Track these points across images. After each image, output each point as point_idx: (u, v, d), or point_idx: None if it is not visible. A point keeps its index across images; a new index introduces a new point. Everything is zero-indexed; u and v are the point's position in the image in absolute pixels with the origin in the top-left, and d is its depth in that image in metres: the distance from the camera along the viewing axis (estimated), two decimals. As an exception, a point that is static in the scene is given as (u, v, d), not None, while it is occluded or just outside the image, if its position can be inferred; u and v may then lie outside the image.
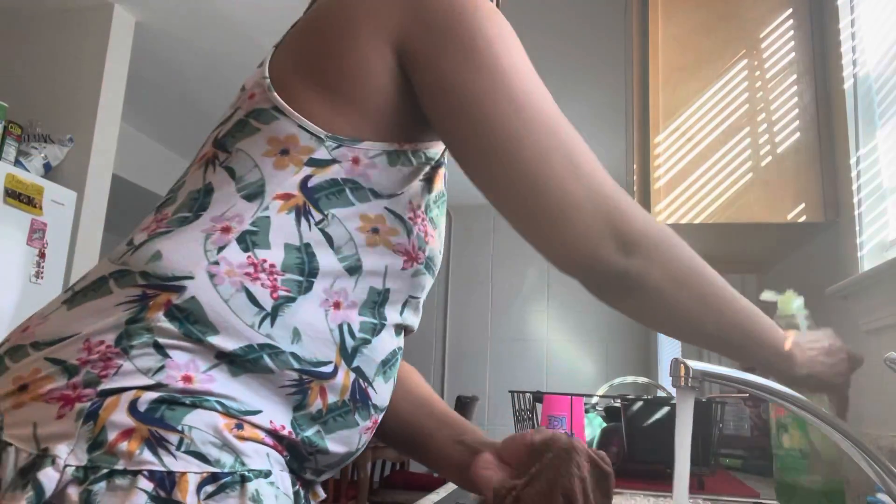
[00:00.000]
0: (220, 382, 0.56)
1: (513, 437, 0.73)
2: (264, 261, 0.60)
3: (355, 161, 0.63)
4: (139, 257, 0.60)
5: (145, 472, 0.51)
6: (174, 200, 0.65)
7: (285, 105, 0.63)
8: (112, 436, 0.52)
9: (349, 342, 0.63)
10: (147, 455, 0.52)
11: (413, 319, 0.72)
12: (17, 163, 3.03)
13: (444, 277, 6.22)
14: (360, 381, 0.64)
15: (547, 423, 1.19)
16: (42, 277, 2.97)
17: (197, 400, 0.55)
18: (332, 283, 0.62)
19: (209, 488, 0.53)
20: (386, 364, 0.67)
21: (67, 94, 3.41)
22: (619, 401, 1.48)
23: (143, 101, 4.53)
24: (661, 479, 1.36)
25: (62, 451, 0.51)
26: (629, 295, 0.63)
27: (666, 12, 1.85)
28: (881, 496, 1.02)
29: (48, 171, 3.18)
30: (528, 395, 1.61)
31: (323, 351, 0.61)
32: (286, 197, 0.62)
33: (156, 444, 0.52)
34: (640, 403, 1.42)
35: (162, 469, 0.52)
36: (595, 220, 0.60)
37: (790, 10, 1.78)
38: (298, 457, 0.63)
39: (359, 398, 0.64)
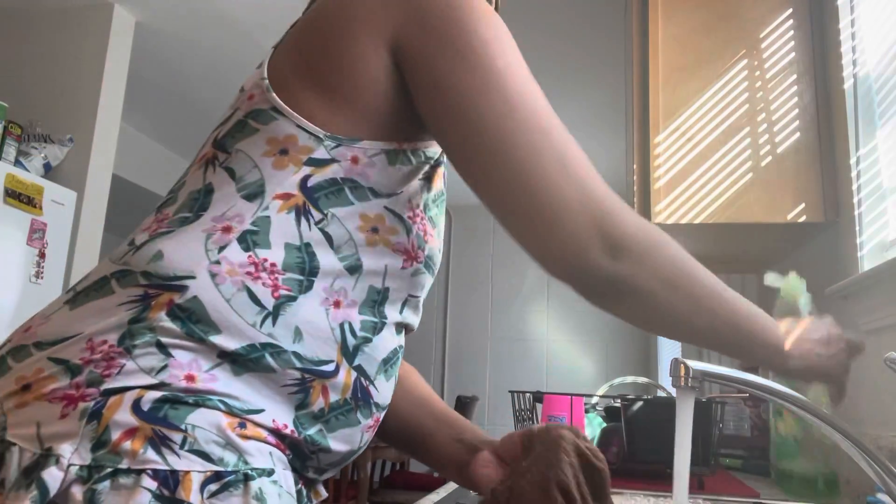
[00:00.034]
0: (223, 381, 0.57)
1: (511, 434, 0.73)
2: (265, 260, 0.60)
3: (354, 160, 0.63)
4: (141, 257, 0.60)
5: (149, 471, 0.51)
6: (175, 201, 0.65)
7: (284, 105, 0.64)
8: (115, 435, 0.52)
9: (350, 341, 0.63)
10: (151, 454, 0.52)
11: (413, 318, 0.72)
12: (17, 163, 3.03)
13: (444, 277, 6.22)
14: (362, 379, 0.64)
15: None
16: (42, 277, 2.97)
17: (200, 399, 0.55)
18: (332, 282, 0.62)
19: (213, 487, 0.53)
20: (387, 362, 0.68)
21: (67, 94, 3.42)
22: (619, 401, 1.49)
23: (143, 101, 4.53)
24: (661, 479, 1.36)
25: (66, 450, 0.52)
26: (620, 299, 0.62)
27: (666, 12, 1.86)
28: (881, 496, 1.02)
29: (48, 171, 3.18)
30: (528, 395, 1.61)
31: (324, 350, 0.61)
32: (286, 197, 0.62)
33: (159, 443, 0.53)
34: (640, 403, 1.43)
35: (165, 468, 0.52)
36: (584, 223, 0.59)
37: (790, 10, 1.79)
38: (301, 455, 0.63)
39: (360, 397, 0.65)
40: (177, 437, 0.53)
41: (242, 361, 0.58)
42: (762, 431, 1.78)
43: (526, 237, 0.61)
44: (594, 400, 2.02)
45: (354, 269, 0.64)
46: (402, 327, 0.71)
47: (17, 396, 0.55)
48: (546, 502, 0.60)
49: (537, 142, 0.60)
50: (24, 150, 3.09)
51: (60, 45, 3.49)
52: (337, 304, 0.63)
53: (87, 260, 3.29)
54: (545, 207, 0.59)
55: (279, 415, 0.59)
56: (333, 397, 0.62)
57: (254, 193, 0.62)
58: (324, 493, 0.71)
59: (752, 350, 0.69)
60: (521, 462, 0.65)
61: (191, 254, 0.59)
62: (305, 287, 0.61)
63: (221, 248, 0.59)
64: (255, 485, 0.55)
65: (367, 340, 0.65)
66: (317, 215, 0.62)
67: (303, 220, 0.62)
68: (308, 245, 0.62)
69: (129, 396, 0.54)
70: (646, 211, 1.82)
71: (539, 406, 1.55)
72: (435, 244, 0.72)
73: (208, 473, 0.53)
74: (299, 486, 0.65)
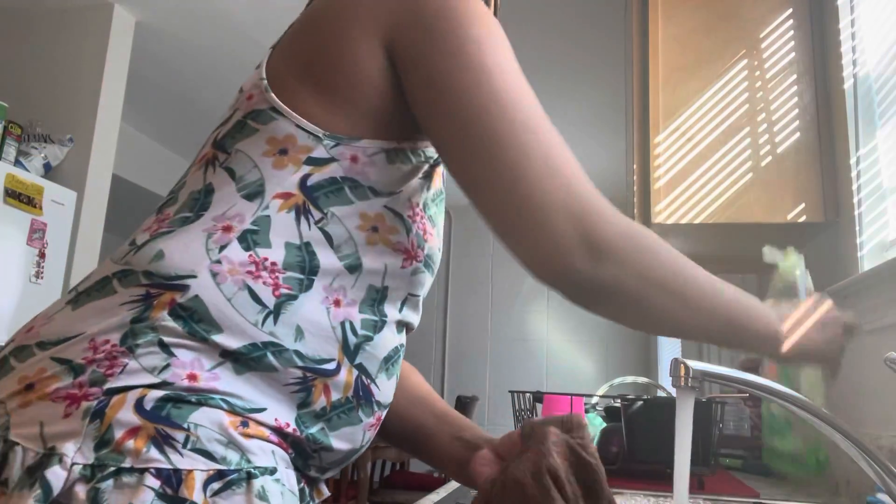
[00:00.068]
0: (225, 380, 0.57)
1: (510, 433, 0.73)
2: (265, 259, 0.60)
3: (353, 159, 0.64)
4: (142, 257, 0.60)
5: (152, 470, 0.52)
6: (175, 201, 0.66)
7: (282, 105, 0.64)
8: (118, 434, 0.52)
9: (351, 339, 0.63)
10: (154, 453, 0.52)
11: (413, 317, 0.72)
12: (17, 163, 3.03)
13: (444, 277, 6.23)
14: (363, 377, 0.65)
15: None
16: (42, 277, 2.97)
17: (202, 398, 0.55)
18: (331, 281, 0.63)
19: (215, 485, 0.53)
20: (388, 361, 0.68)
21: (67, 94, 3.42)
22: (619, 401, 1.49)
23: (143, 101, 4.54)
24: (661, 479, 1.37)
25: (69, 449, 0.52)
26: (606, 302, 0.61)
27: (666, 12, 1.86)
28: (881, 496, 1.03)
29: (48, 171, 3.18)
30: (528, 395, 1.61)
31: (325, 348, 0.62)
32: (286, 196, 0.62)
33: (162, 441, 0.53)
34: (640, 403, 1.43)
35: (168, 467, 0.52)
36: (567, 227, 0.58)
37: (790, 10, 1.79)
38: (303, 454, 0.63)
39: (362, 395, 0.65)
40: (179, 435, 0.53)
41: (244, 360, 0.58)
42: (762, 431, 1.78)
43: (509, 239, 0.60)
44: (594, 400, 2.03)
45: (354, 269, 0.64)
46: (402, 326, 0.71)
47: (21, 396, 0.55)
48: (538, 490, 0.59)
49: (524, 142, 0.60)
50: (24, 150, 3.09)
51: (60, 45, 3.49)
52: (337, 303, 0.63)
53: (87, 260, 3.29)
54: (528, 209, 0.59)
55: (281, 413, 0.60)
56: (335, 396, 0.63)
57: (254, 193, 0.62)
58: (326, 492, 0.71)
59: (746, 341, 0.68)
60: (513, 459, 0.65)
61: (192, 253, 0.59)
62: (306, 286, 0.61)
63: (222, 248, 0.60)
64: (257, 483, 0.55)
65: (368, 339, 0.65)
66: (316, 214, 0.62)
67: (303, 220, 0.62)
68: (308, 244, 0.62)
69: (132, 396, 0.54)
70: (646, 211, 1.82)
71: (539, 406, 1.55)
72: (435, 243, 0.72)
73: (211, 472, 0.53)
74: (302, 484, 0.65)
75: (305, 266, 0.61)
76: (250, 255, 0.60)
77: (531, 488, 0.59)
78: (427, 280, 0.72)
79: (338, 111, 0.64)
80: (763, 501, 1.18)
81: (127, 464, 0.52)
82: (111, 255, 0.65)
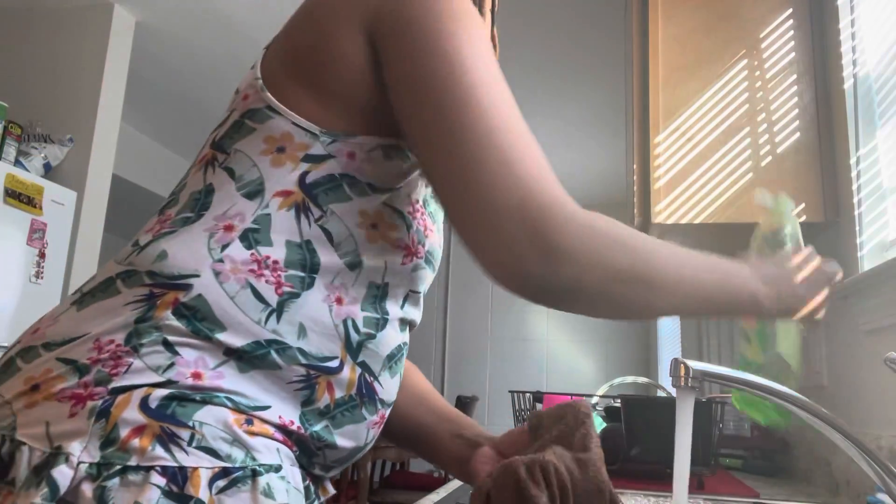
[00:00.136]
0: (229, 379, 0.57)
1: (511, 431, 0.74)
2: (267, 257, 0.60)
3: (351, 156, 0.64)
4: (145, 257, 0.61)
5: (158, 468, 0.52)
6: (176, 202, 0.66)
7: (278, 104, 0.64)
8: (124, 432, 0.53)
9: (354, 337, 0.64)
10: (159, 451, 0.52)
11: (415, 314, 0.72)
12: (17, 163, 3.03)
13: (444, 277, 6.23)
14: (366, 375, 0.65)
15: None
16: (42, 277, 2.97)
17: (207, 396, 0.56)
18: (333, 278, 0.63)
19: (221, 483, 0.53)
20: (391, 359, 0.68)
21: (67, 94, 3.42)
22: (619, 401, 1.49)
23: (143, 101, 4.54)
24: (661, 479, 1.37)
25: (75, 448, 0.52)
26: (571, 301, 0.59)
27: (666, 12, 1.86)
28: (881, 496, 1.03)
29: (48, 171, 3.18)
30: (528, 395, 1.61)
31: (328, 346, 0.62)
32: (286, 194, 0.62)
33: (167, 440, 0.53)
34: (639, 403, 1.43)
35: (174, 464, 0.52)
36: (519, 231, 0.56)
37: (790, 10, 1.79)
38: (307, 452, 0.63)
39: (365, 393, 0.65)
40: (184, 434, 0.54)
41: (248, 358, 0.58)
42: (762, 432, 1.79)
43: (465, 237, 0.58)
44: (594, 400, 2.03)
45: (355, 266, 0.64)
46: (405, 324, 0.71)
47: (27, 396, 0.56)
48: (531, 485, 0.59)
49: (485, 139, 0.58)
50: (24, 150, 3.09)
51: (60, 45, 3.49)
52: (339, 301, 0.63)
53: (87, 260, 3.29)
54: (482, 212, 0.56)
55: (285, 411, 0.60)
56: (339, 393, 0.63)
57: (254, 192, 0.62)
58: (331, 490, 0.71)
59: (727, 310, 0.67)
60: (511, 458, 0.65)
61: (194, 253, 0.60)
62: (308, 284, 0.61)
63: (224, 247, 0.60)
64: (262, 480, 0.55)
65: (371, 337, 0.65)
66: (316, 212, 0.63)
67: (303, 217, 0.62)
68: (308, 242, 0.62)
69: (137, 394, 0.54)
70: (646, 211, 1.82)
71: (539, 406, 1.56)
72: (435, 239, 0.72)
73: (216, 469, 0.54)
74: (307, 482, 0.65)
75: (306, 264, 0.62)
76: (252, 254, 0.60)
77: (523, 481, 0.59)
78: (428, 276, 0.72)
79: (333, 108, 0.64)
80: (763, 501, 1.19)
81: (133, 462, 0.52)
82: (115, 257, 0.65)
